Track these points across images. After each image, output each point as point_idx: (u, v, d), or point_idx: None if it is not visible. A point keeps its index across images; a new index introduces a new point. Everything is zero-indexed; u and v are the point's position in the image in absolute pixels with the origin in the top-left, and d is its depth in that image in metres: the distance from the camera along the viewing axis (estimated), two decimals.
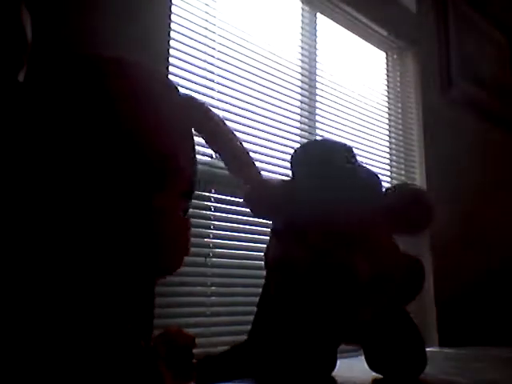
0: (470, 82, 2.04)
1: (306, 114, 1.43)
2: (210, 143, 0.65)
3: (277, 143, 1.31)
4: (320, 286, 0.71)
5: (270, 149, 1.29)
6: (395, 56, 1.83)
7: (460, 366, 1.03)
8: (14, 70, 0.55)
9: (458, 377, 0.87)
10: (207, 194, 1.12)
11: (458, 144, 1.91)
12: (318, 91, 1.47)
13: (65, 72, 0.53)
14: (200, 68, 1.15)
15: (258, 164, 1.24)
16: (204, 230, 1.11)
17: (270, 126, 1.30)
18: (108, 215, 0.48)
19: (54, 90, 0.52)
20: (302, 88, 1.43)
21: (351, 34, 1.66)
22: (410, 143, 1.78)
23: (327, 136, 1.47)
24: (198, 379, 0.61)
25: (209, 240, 1.11)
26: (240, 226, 1.18)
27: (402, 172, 1.73)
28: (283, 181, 0.92)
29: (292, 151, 1.32)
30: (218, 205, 1.14)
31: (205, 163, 1.10)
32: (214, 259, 1.11)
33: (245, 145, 1.21)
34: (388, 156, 1.71)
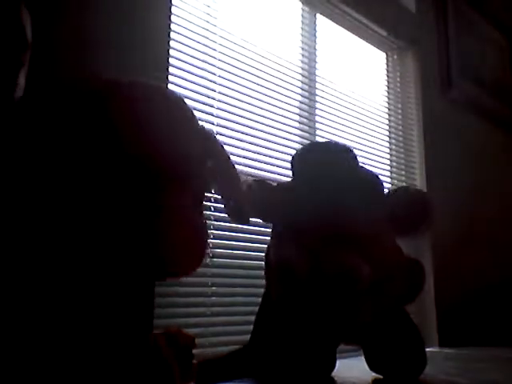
0: (470, 82, 2.05)
1: (306, 114, 1.43)
2: (218, 185, 0.67)
3: (276, 143, 1.31)
4: (319, 288, 0.71)
5: (270, 149, 1.29)
6: (395, 56, 1.83)
7: (460, 366, 1.03)
8: (14, 70, 0.55)
9: (458, 377, 0.87)
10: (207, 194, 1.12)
11: (458, 144, 1.91)
12: (317, 91, 1.48)
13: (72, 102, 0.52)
14: (200, 69, 1.15)
15: (257, 164, 1.26)
16: None
17: (270, 127, 1.30)
18: (112, 216, 0.48)
19: (56, 115, 0.51)
20: (301, 88, 1.43)
21: (351, 34, 1.66)
22: (410, 143, 1.78)
23: (327, 136, 1.47)
24: (199, 381, 0.61)
25: (209, 240, 1.11)
26: (240, 226, 1.18)
27: (403, 172, 1.73)
28: (283, 183, 0.92)
29: (292, 151, 1.33)
30: (218, 205, 1.14)
31: None
32: (214, 259, 1.11)
33: (244, 145, 1.23)
34: (388, 156, 1.71)
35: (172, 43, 1.08)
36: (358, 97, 1.63)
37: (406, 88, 1.82)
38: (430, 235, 1.68)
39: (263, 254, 1.20)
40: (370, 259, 0.70)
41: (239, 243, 1.18)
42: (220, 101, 1.18)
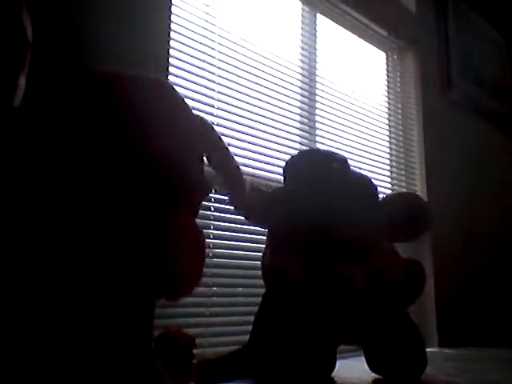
0: (470, 82, 2.05)
1: (306, 114, 1.43)
2: (215, 168, 0.66)
3: (276, 143, 1.31)
4: (315, 293, 0.71)
5: (270, 149, 1.29)
6: (395, 56, 1.83)
7: (460, 366, 1.03)
8: (15, 71, 0.54)
9: (458, 377, 0.87)
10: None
11: (457, 144, 1.91)
12: (317, 91, 1.47)
13: (74, 93, 0.52)
14: (200, 68, 1.15)
15: (257, 164, 1.26)
16: (204, 230, 1.10)
17: (270, 126, 1.30)
18: (118, 231, 0.47)
19: (60, 110, 0.51)
20: (301, 88, 1.43)
21: (351, 34, 1.66)
22: (409, 143, 1.78)
23: (327, 136, 1.47)
24: (199, 382, 0.61)
25: (209, 240, 1.11)
26: (240, 226, 1.18)
27: (402, 172, 1.73)
28: (277, 188, 0.92)
29: (292, 152, 1.33)
30: (218, 205, 1.14)
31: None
32: (214, 259, 1.11)
33: (244, 145, 1.23)
34: (388, 156, 1.71)
35: (172, 43, 1.08)
36: (358, 97, 1.63)
37: (406, 88, 1.82)
38: (430, 235, 1.68)
39: (261, 258, 1.20)
40: (365, 264, 0.70)
41: (239, 243, 1.18)
42: (220, 100, 1.18)
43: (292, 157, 0.89)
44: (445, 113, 1.90)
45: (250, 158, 1.23)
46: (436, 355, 1.25)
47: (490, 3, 2.23)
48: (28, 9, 0.57)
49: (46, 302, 0.45)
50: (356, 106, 1.61)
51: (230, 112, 1.20)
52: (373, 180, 0.84)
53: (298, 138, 1.38)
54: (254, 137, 1.25)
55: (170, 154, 0.51)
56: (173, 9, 1.10)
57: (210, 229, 1.12)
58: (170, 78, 1.06)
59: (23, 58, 0.55)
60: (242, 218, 1.17)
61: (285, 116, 1.34)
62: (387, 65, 1.80)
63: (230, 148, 0.69)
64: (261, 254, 1.20)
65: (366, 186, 0.80)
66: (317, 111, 1.46)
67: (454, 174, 1.85)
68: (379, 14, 1.69)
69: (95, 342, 0.46)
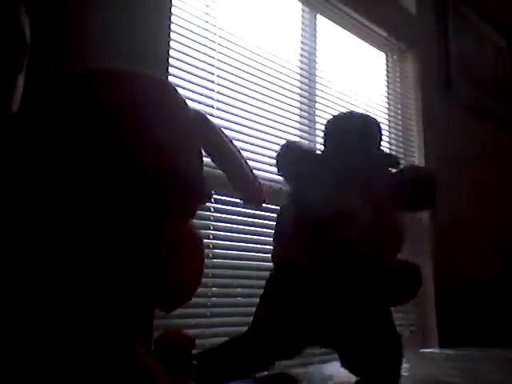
0: (470, 82, 2.05)
1: (306, 114, 1.43)
2: (217, 163, 0.61)
3: (276, 144, 1.31)
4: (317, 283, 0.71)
5: (270, 149, 1.29)
6: (395, 57, 1.83)
7: (460, 367, 1.03)
8: (13, 73, 0.54)
9: (459, 378, 0.86)
10: None
11: (457, 145, 1.91)
12: (317, 92, 1.48)
13: (58, 96, 0.49)
14: (199, 69, 1.15)
15: (256, 165, 1.26)
16: (203, 230, 1.11)
17: (270, 127, 1.30)
18: (111, 241, 0.45)
19: (47, 115, 0.48)
20: (301, 89, 1.43)
21: (351, 35, 1.66)
22: (409, 144, 1.78)
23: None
24: (198, 377, 0.61)
25: (208, 241, 1.11)
26: (239, 226, 1.18)
27: None
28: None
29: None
30: (218, 205, 1.14)
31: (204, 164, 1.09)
32: (214, 260, 1.11)
33: (244, 146, 1.23)
34: None
35: (172, 44, 1.08)
36: (358, 97, 1.63)
37: (406, 89, 1.83)
38: (430, 236, 1.68)
39: (263, 255, 1.20)
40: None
41: (239, 244, 1.18)
42: (219, 101, 1.18)
43: (333, 117, 0.86)
44: (444, 113, 1.90)
45: (249, 159, 1.23)
46: (436, 356, 1.25)
47: (490, 4, 2.23)
48: (27, 8, 0.56)
49: (36, 305, 0.44)
50: (356, 107, 1.60)
51: (229, 113, 1.20)
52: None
53: (298, 139, 1.38)
54: (254, 137, 1.25)
55: (164, 155, 0.48)
56: (173, 9, 1.10)
57: (209, 229, 1.11)
58: (170, 78, 1.06)
59: (21, 59, 0.55)
60: (242, 217, 1.18)
61: (284, 117, 1.34)
62: (387, 66, 1.81)
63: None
64: (261, 254, 1.20)
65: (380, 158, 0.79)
66: (316, 112, 1.46)
67: (454, 174, 1.85)
68: (379, 14, 1.69)
69: (82, 344, 0.45)
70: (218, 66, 1.19)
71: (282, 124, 1.33)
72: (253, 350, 0.76)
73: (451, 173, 1.84)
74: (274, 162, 1.33)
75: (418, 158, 1.77)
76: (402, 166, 0.81)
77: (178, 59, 1.10)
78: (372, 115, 0.84)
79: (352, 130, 0.79)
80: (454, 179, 1.84)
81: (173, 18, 1.09)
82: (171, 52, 1.08)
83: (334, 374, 0.82)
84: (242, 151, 1.21)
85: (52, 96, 0.48)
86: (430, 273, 1.66)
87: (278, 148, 1.32)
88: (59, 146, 0.45)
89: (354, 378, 0.81)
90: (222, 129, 0.62)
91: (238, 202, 1.17)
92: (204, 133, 0.56)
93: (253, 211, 1.20)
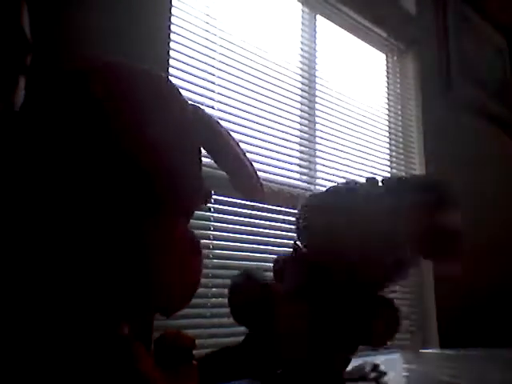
0: (470, 83, 2.05)
1: (306, 115, 1.43)
2: (217, 161, 0.58)
3: (277, 144, 1.31)
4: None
5: (270, 150, 1.29)
6: (395, 58, 1.83)
7: (461, 367, 1.03)
8: (16, 73, 0.54)
9: (459, 378, 0.86)
10: None
11: (457, 145, 1.91)
12: (317, 92, 1.48)
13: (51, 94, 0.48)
14: (199, 69, 1.15)
15: (257, 165, 1.26)
16: (203, 231, 1.11)
17: (270, 127, 1.30)
18: (96, 242, 0.43)
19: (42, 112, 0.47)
20: (301, 90, 1.43)
21: (351, 35, 1.66)
22: (409, 144, 1.78)
23: (326, 137, 1.47)
24: (200, 378, 0.61)
25: (208, 241, 1.11)
26: (240, 226, 1.18)
27: (403, 173, 1.73)
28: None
29: (292, 153, 1.32)
30: (218, 206, 1.13)
31: (204, 164, 1.09)
32: (214, 260, 1.11)
33: (244, 146, 1.23)
34: (388, 157, 1.71)
35: (172, 44, 1.08)
36: (358, 97, 1.63)
37: (406, 89, 1.83)
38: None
39: (263, 255, 1.20)
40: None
41: (239, 244, 1.18)
42: (219, 101, 1.18)
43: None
44: (444, 114, 1.90)
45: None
46: (437, 356, 1.25)
47: (490, 4, 2.23)
48: (29, 8, 0.56)
49: (30, 306, 0.44)
50: (356, 107, 1.61)
51: (229, 113, 1.20)
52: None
53: (297, 140, 1.38)
54: (254, 138, 1.25)
55: (160, 151, 0.47)
56: (173, 10, 1.10)
57: (209, 230, 1.11)
58: (170, 78, 1.06)
59: (24, 59, 0.55)
60: (242, 218, 1.18)
61: (284, 117, 1.34)
62: (387, 66, 1.81)
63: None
64: (260, 254, 1.20)
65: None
66: (316, 112, 1.46)
67: (454, 174, 1.85)
68: (379, 15, 1.69)
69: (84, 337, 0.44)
70: (218, 66, 1.19)
71: (282, 125, 1.33)
72: (253, 358, 0.76)
73: (451, 173, 1.84)
74: (273, 163, 1.33)
75: (417, 159, 1.77)
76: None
77: (177, 60, 1.10)
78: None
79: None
80: (454, 179, 1.84)
81: (173, 19, 1.09)
82: (171, 52, 1.08)
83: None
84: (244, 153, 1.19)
85: (49, 91, 0.48)
86: (430, 273, 1.66)
87: (277, 149, 1.33)
88: (53, 142, 0.44)
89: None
90: (221, 122, 0.59)
91: (238, 203, 1.17)
92: (202, 128, 0.54)
93: (253, 211, 1.20)
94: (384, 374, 0.80)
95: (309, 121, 1.43)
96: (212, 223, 1.12)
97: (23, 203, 0.43)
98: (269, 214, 1.24)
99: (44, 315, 0.43)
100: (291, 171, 1.34)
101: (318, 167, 1.42)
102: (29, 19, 0.57)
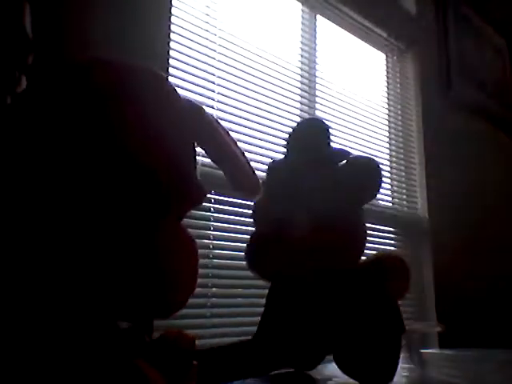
0: (470, 83, 2.05)
1: (306, 115, 1.43)
2: (212, 158, 0.57)
3: (276, 145, 1.31)
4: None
5: (270, 150, 1.29)
6: (395, 58, 1.83)
7: (460, 367, 1.03)
8: (18, 71, 0.54)
9: (459, 379, 0.86)
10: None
11: (457, 145, 1.91)
12: (317, 92, 1.48)
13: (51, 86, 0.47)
14: (200, 70, 1.15)
15: (256, 166, 1.26)
16: (204, 231, 1.11)
17: (270, 128, 1.30)
18: (102, 244, 0.43)
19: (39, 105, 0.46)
20: (301, 89, 1.43)
21: (351, 35, 1.66)
22: (409, 144, 1.78)
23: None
24: (200, 374, 0.61)
25: (208, 241, 1.11)
26: (240, 227, 1.18)
27: (402, 174, 1.73)
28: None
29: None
30: (218, 206, 1.13)
31: (203, 164, 1.09)
32: (214, 260, 1.11)
33: (245, 146, 1.22)
34: (388, 157, 1.71)
35: (172, 44, 1.08)
36: (358, 98, 1.63)
37: (406, 89, 1.83)
38: (430, 236, 1.68)
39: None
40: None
41: (239, 244, 1.18)
42: (219, 101, 1.18)
43: (293, 129, 0.89)
44: (444, 114, 1.90)
45: (248, 159, 1.23)
46: (436, 356, 1.25)
47: (490, 4, 2.24)
48: (31, 9, 0.56)
49: (29, 307, 0.43)
50: (356, 107, 1.61)
51: (229, 113, 1.20)
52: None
53: None
54: (254, 138, 1.25)
55: (157, 147, 0.46)
56: (173, 10, 1.10)
57: (209, 230, 1.11)
58: (170, 78, 1.06)
59: (25, 59, 0.55)
60: (242, 218, 1.17)
61: (285, 117, 1.34)
62: (387, 66, 1.81)
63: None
64: None
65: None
66: (316, 112, 1.46)
67: (454, 174, 1.85)
68: (379, 15, 1.69)
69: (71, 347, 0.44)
70: (218, 66, 1.19)
71: (282, 125, 1.33)
72: (255, 356, 0.77)
73: (451, 173, 1.84)
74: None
75: (417, 159, 1.77)
76: (348, 158, 0.81)
77: (177, 60, 1.10)
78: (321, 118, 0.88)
79: (300, 134, 0.84)
80: (454, 179, 1.84)
81: (173, 19, 1.09)
82: (171, 53, 1.08)
83: (334, 374, 0.82)
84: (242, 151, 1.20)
85: (50, 82, 0.47)
86: (431, 273, 1.66)
87: (277, 149, 1.33)
88: (52, 133, 0.43)
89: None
90: (220, 121, 0.59)
91: (237, 203, 1.17)
92: (199, 126, 0.53)
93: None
94: None
95: None
96: (212, 223, 1.12)
97: (26, 202, 0.43)
98: None
99: (46, 314, 0.43)
100: None
101: None
102: (30, 20, 0.57)
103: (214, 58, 1.19)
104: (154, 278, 0.44)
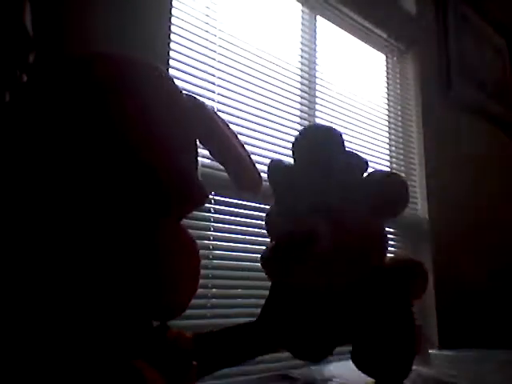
0: (470, 84, 2.05)
1: (306, 116, 1.43)
2: (214, 155, 0.56)
3: (277, 145, 1.31)
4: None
5: (270, 151, 1.29)
6: (395, 58, 1.84)
7: (460, 368, 1.03)
8: (19, 69, 0.54)
9: (459, 379, 0.86)
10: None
11: (457, 146, 1.91)
12: (317, 93, 1.48)
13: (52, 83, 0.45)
14: (200, 70, 1.15)
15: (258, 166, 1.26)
16: (204, 231, 1.11)
17: (270, 128, 1.30)
18: (102, 245, 0.42)
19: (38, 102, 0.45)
20: (301, 90, 1.43)
21: (351, 36, 1.66)
22: (409, 145, 1.78)
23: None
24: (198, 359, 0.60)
25: (208, 242, 1.11)
26: (240, 227, 1.18)
27: (402, 174, 1.73)
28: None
29: (290, 154, 1.33)
30: (218, 206, 1.14)
31: (204, 165, 1.10)
32: (214, 261, 1.11)
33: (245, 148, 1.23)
34: (388, 158, 1.71)
35: (172, 45, 1.09)
36: (358, 98, 1.63)
37: (406, 90, 1.83)
38: (430, 236, 1.68)
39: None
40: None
41: (239, 245, 1.18)
42: (220, 102, 1.18)
43: (298, 134, 0.88)
44: (444, 114, 1.90)
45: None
46: (436, 357, 1.25)
47: (490, 5, 2.24)
48: (31, 8, 0.57)
49: (25, 310, 0.43)
50: (356, 108, 1.61)
51: (229, 114, 1.20)
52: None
53: None
54: (254, 138, 1.25)
55: (163, 148, 0.45)
56: (173, 11, 1.10)
57: (209, 230, 1.12)
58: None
59: (26, 57, 0.55)
60: (242, 219, 1.18)
61: (285, 118, 1.34)
62: (387, 67, 1.81)
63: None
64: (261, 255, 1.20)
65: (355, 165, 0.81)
66: (317, 113, 1.46)
67: (454, 175, 1.85)
68: (379, 16, 1.69)
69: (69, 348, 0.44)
70: (218, 67, 1.20)
71: (283, 125, 1.33)
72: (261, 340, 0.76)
73: (451, 173, 1.84)
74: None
75: (417, 160, 1.77)
76: (370, 170, 0.81)
77: (178, 60, 1.10)
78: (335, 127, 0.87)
79: (313, 140, 0.82)
80: (454, 180, 1.84)
81: (173, 19, 1.10)
82: (171, 53, 1.08)
83: (334, 374, 0.83)
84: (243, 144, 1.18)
85: (51, 76, 0.47)
86: (431, 273, 1.66)
87: (277, 150, 1.33)
88: (51, 127, 0.42)
89: (353, 379, 0.81)
90: (220, 114, 0.57)
91: (238, 204, 1.17)
92: (199, 121, 0.52)
93: (253, 212, 1.20)
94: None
95: (309, 121, 1.43)
96: (212, 224, 1.12)
97: (24, 198, 0.42)
98: None
99: (44, 313, 0.43)
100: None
101: None
102: (31, 18, 0.57)
103: (214, 59, 1.19)
104: (154, 279, 0.43)
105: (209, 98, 1.16)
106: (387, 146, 1.72)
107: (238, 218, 1.17)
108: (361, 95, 1.64)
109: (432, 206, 1.72)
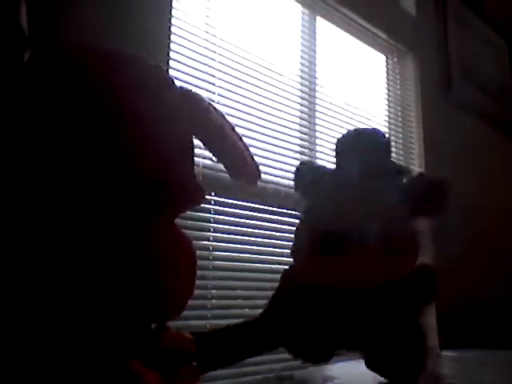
0: (470, 84, 2.05)
1: (306, 117, 1.43)
2: (210, 149, 0.54)
3: (277, 146, 1.31)
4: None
5: (271, 151, 1.29)
6: (395, 59, 1.84)
7: (460, 368, 1.03)
8: (13, 67, 0.54)
9: (459, 380, 0.86)
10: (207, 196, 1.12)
11: (457, 147, 1.91)
12: (317, 94, 1.48)
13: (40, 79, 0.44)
14: (199, 71, 1.15)
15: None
16: (204, 232, 1.11)
17: (270, 129, 1.30)
18: (91, 245, 0.41)
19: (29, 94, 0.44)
20: (301, 91, 1.43)
21: (351, 37, 1.66)
22: (410, 146, 1.78)
23: (327, 139, 1.47)
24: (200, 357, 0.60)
25: (208, 243, 1.11)
26: (240, 228, 1.18)
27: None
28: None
29: (292, 155, 1.33)
30: (218, 207, 1.14)
31: (204, 166, 1.10)
32: (214, 262, 1.11)
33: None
34: None
35: (172, 46, 1.09)
36: (358, 99, 1.63)
37: (406, 90, 1.83)
38: (429, 236, 1.68)
39: (263, 257, 1.20)
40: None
41: (239, 246, 1.18)
42: (219, 103, 1.18)
43: (342, 136, 0.87)
44: (445, 115, 1.90)
45: None
46: (437, 357, 1.24)
47: (490, 5, 2.24)
48: (28, 6, 0.56)
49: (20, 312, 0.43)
50: (356, 109, 1.61)
51: (229, 115, 1.20)
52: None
53: (297, 141, 1.38)
54: (254, 139, 1.25)
55: (155, 144, 0.43)
56: (173, 12, 1.10)
57: (209, 231, 1.11)
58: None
59: (21, 55, 0.55)
60: (242, 220, 1.18)
61: (285, 119, 1.34)
62: (387, 68, 1.81)
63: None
64: (261, 256, 1.20)
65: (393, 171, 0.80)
66: (316, 114, 1.46)
67: (454, 176, 1.85)
68: (379, 16, 1.69)
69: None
70: (217, 68, 1.20)
71: (283, 126, 1.33)
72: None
73: (451, 174, 1.84)
74: (273, 164, 1.33)
75: (417, 161, 1.77)
76: (411, 175, 0.81)
77: (177, 61, 1.10)
78: (379, 128, 0.86)
79: (362, 145, 0.81)
80: (454, 181, 1.84)
81: (173, 20, 1.10)
82: (171, 54, 1.08)
83: (334, 374, 0.82)
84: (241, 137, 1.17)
85: (41, 72, 0.46)
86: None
87: (277, 151, 1.33)
88: (41, 125, 0.41)
89: (353, 379, 0.81)
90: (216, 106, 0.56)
91: (238, 204, 1.17)
92: (195, 116, 0.50)
93: (253, 213, 1.20)
94: None
95: (309, 122, 1.43)
96: (212, 224, 1.12)
97: (20, 203, 0.42)
98: (268, 216, 1.24)
99: (39, 314, 0.42)
100: (291, 172, 1.34)
101: None
102: (27, 17, 0.57)
103: (213, 60, 1.19)
104: (148, 279, 0.43)
105: (209, 98, 1.16)
106: None
107: (238, 219, 1.17)
108: (361, 96, 1.64)
109: None
